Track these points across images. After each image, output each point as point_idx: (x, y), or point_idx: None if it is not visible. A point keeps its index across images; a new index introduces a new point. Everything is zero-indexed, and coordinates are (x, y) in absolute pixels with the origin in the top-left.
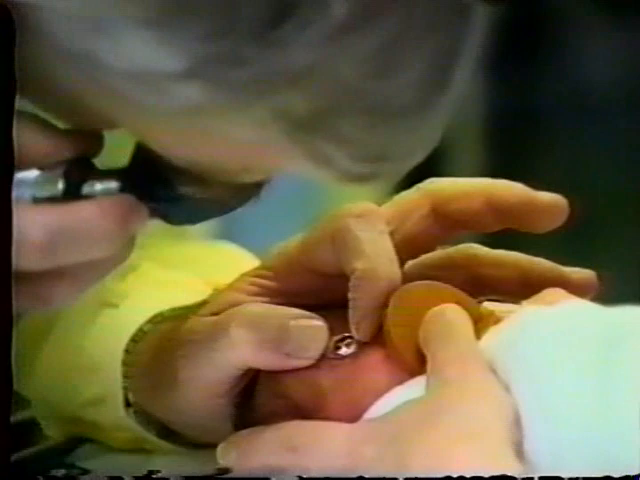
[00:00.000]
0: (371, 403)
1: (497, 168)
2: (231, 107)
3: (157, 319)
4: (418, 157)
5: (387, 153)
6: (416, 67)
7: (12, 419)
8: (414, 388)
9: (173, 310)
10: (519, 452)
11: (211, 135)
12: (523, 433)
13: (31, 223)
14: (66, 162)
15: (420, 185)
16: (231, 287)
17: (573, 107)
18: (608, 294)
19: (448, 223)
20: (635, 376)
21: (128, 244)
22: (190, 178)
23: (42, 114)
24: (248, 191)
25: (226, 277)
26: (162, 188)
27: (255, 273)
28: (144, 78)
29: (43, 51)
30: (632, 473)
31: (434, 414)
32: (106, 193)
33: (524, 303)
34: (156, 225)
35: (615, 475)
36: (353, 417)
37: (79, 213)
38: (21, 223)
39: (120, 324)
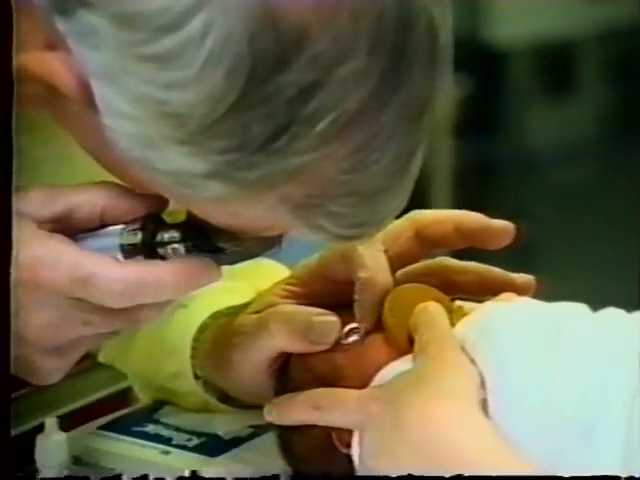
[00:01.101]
0: (374, 375)
1: (462, 203)
2: (245, 197)
3: (216, 315)
4: (389, 220)
5: (366, 221)
6: (383, 161)
7: (115, 388)
8: (406, 363)
9: (228, 309)
10: (484, 407)
11: (234, 213)
12: (486, 393)
13: (115, 276)
14: (142, 217)
15: (407, 215)
16: (269, 292)
17: (520, 160)
18: (547, 294)
19: (427, 243)
20: (567, 347)
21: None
22: (226, 235)
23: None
24: (271, 241)
25: (266, 284)
26: (207, 242)
27: (286, 281)
28: (180, 177)
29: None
30: (565, 419)
31: (421, 380)
32: (171, 241)
33: (486, 302)
34: None
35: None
36: (362, 385)
37: (153, 271)
38: (108, 275)
39: (189, 319)
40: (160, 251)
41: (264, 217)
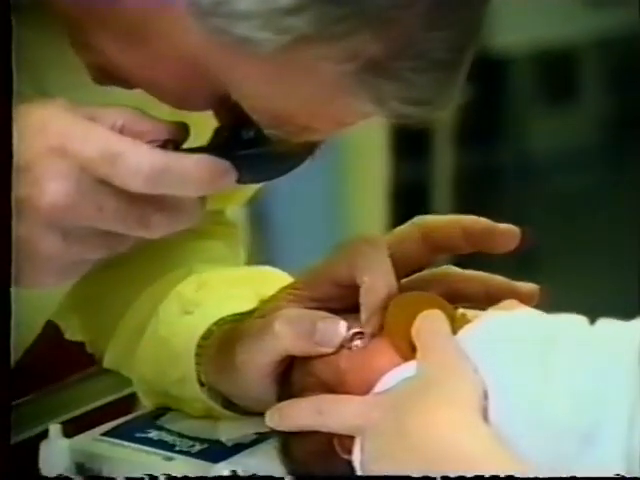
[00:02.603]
0: (377, 380)
1: (464, 209)
2: (323, 40)
3: (220, 322)
4: (443, 107)
5: (424, 98)
6: (454, 29)
7: (118, 394)
8: (408, 369)
9: (232, 316)
10: (485, 416)
11: (298, 74)
12: (488, 402)
13: (145, 158)
14: (161, 142)
15: (412, 220)
16: (274, 298)
17: (521, 167)
18: (548, 300)
19: (433, 247)
20: (563, 358)
21: (204, 202)
22: (262, 137)
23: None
24: (304, 152)
25: (270, 291)
26: (236, 151)
27: (291, 286)
28: (265, 15)
29: (181, 20)
30: (563, 428)
31: (423, 387)
32: None
33: (488, 310)
34: (222, 256)
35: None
36: (364, 390)
37: (180, 161)
38: (137, 155)
39: (194, 326)
40: None
41: (326, 85)
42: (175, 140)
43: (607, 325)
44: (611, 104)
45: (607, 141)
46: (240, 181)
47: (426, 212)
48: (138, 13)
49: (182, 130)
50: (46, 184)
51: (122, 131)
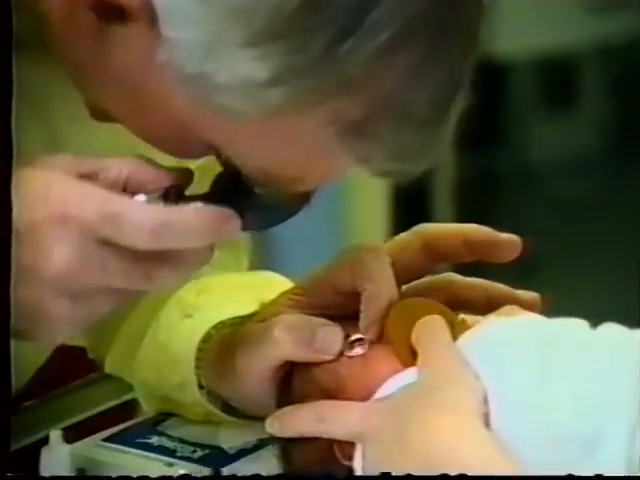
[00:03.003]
0: (377, 386)
1: (465, 216)
2: (301, 109)
3: (220, 326)
4: (429, 162)
5: (409, 155)
6: (434, 87)
7: (119, 400)
8: (409, 376)
9: (232, 319)
10: (486, 422)
11: (281, 138)
12: (489, 408)
13: (145, 214)
14: (165, 188)
15: (414, 228)
16: (274, 302)
17: (522, 173)
18: (548, 307)
19: (435, 256)
20: (565, 363)
21: (212, 247)
22: (257, 193)
23: (149, 151)
24: (301, 200)
25: (270, 295)
26: (239, 197)
27: (292, 292)
28: (241, 88)
29: (167, 84)
30: (565, 433)
31: (424, 394)
32: None
33: (489, 315)
34: (225, 263)
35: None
36: (365, 397)
37: (181, 213)
38: (137, 213)
39: (194, 329)
40: None
41: (310, 147)
42: (179, 185)
43: (608, 329)
44: (611, 110)
45: (608, 147)
46: (244, 228)
47: (427, 218)
48: (126, 71)
49: (186, 175)
50: (50, 253)
51: (127, 180)
